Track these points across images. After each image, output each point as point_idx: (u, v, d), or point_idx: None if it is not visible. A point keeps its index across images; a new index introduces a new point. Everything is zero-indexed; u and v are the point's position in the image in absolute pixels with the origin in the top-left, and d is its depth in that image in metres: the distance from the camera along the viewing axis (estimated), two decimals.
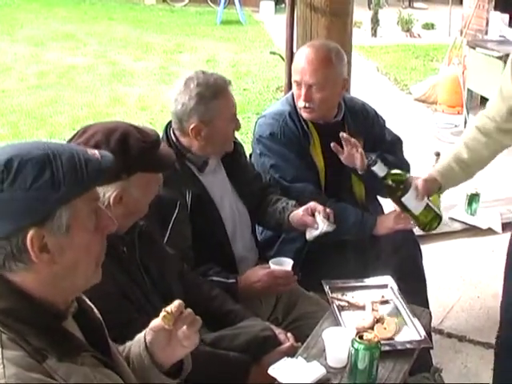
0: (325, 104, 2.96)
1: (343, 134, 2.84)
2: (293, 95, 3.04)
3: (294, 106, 3.01)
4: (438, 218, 2.60)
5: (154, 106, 8.08)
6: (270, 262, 2.52)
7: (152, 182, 1.99)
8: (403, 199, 2.51)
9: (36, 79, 9.12)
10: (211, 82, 2.52)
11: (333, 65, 2.90)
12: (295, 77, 2.93)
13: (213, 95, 2.50)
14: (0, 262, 1.23)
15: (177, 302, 1.55)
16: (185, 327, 1.54)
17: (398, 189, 2.51)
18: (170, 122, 2.63)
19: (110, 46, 11.38)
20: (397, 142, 3.26)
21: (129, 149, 1.86)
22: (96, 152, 1.33)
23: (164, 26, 13.57)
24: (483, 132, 2.51)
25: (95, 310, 1.53)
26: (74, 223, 1.27)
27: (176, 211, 2.40)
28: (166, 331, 1.55)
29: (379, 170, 2.51)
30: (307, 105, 2.91)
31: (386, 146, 3.22)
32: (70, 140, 1.92)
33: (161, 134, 2.53)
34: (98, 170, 1.31)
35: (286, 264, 2.51)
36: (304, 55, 2.91)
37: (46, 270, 1.26)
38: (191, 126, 2.51)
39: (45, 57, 10.43)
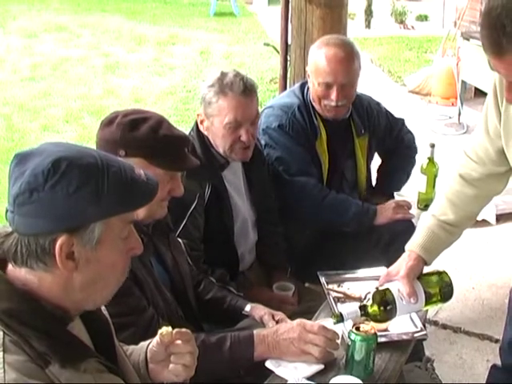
0: (351, 99, 2.99)
1: None
2: (301, 88, 3.04)
3: (303, 100, 2.99)
4: (446, 276, 2.10)
5: (148, 97, 8.05)
6: (274, 287, 2.67)
7: None
8: (398, 314, 2.04)
9: (29, 71, 9.07)
10: (226, 80, 2.51)
11: (357, 59, 2.91)
12: (325, 79, 2.86)
13: (217, 93, 2.50)
14: (21, 258, 1.21)
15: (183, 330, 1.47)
16: (179, 348, 1.45)
17: (385, 312, 2.01)
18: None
19: (103, 38, 11.31)
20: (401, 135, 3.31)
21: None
22: (142, 173, 1.28)
23: (157, 17, 13.49)
24: (469, 181, 2.15)
25: (103, 308, 1.49)
26: (106, 239, 1.24)
27: (195, 203, 2.47)
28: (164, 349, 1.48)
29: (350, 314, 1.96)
30: (340, 103, 2.90)
31: (392, 140, 3.25)
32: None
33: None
34: (143, 192, 1.27)
35: (288, 289, 2.67)
36: (331, 55, 2.85)
37: (66, 276, 1.24)
38: (198, 112, 2.62)
39: (38, 49, 10.36)
